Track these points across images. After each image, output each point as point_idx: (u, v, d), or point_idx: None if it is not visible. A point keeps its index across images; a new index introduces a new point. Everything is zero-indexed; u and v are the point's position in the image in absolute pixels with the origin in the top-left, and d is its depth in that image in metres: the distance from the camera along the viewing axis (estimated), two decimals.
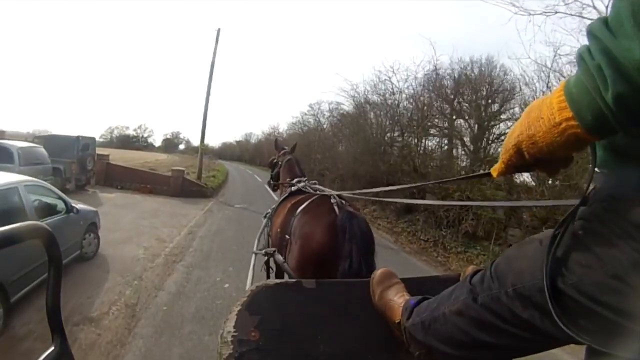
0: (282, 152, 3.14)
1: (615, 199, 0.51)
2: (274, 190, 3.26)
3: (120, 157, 21.74)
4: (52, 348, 0.61)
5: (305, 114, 22.86)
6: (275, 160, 3.18)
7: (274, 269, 2.14)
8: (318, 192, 2.11)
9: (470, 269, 0.92)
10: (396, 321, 0.90)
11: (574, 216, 0.56)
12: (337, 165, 14.90)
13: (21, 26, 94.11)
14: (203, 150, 13.84)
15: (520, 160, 0.54)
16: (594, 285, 0.50)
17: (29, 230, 0.54)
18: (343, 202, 1.84)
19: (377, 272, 1.04)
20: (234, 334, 0.89)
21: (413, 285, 1.00)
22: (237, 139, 56.56)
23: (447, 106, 10.78)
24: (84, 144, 10.67)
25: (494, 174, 0.60)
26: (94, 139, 11.27)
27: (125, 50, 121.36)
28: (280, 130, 29.82)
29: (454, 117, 10.57)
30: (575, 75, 0.47)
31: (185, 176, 11.72)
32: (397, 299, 0.94)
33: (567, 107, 0.46)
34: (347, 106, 15.08)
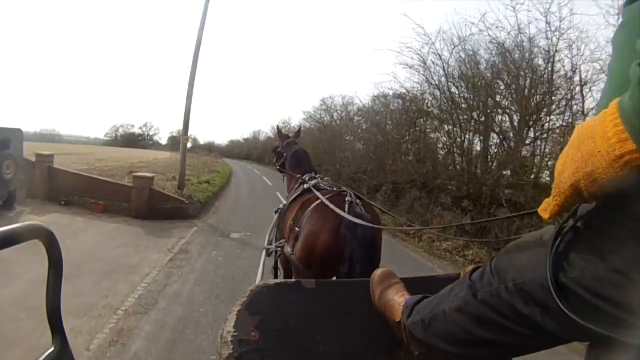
0: (287, 141, 2.92)
1: (616, 195, 0.48)
2: (281, 173, 3.00)
3: (114, 155, 19.14)
4: (52, 348, 0.61)
5: (317, 109, 20.04)
6: (280, 150, 2.95)
7: (282, 271, 2.12)
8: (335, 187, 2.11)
9: (470, 268, 0.89)
10: (396, 320, 0.90)
11: (577, 212, 0.55)
12: (383, 169, 10.60)
13: (27, 26, 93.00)
14: (186, 145, 9.08)
15: (578, 200, 0.51)
16: (595, 279, 0.50)
17: (29, 231, 0.54)
18: (358, 202, 1.78)
19: (377, 272, 1.03)
20: (234, 334, 0.89)
21: (413, 285, 1.00)
22: (245, 137, 53.92)
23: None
24: (1, 140, 6.85)
25: (545, 216, 0.54)
26: (19, 131, 7.41)
27: (131, 48, 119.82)
28: (292, 125, 26.07)
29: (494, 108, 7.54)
30: (631, 99, 0.42)
31: (154, 187, 7.53)
32: (397, 298, 0.94)
33: (628, 138, 0.42)
34: (408, 78, 10.80)
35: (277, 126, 3.46)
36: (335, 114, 17.49)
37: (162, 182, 9.88)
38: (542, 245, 0.59)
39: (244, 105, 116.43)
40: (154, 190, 7.31)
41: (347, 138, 14.77)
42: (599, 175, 0.45)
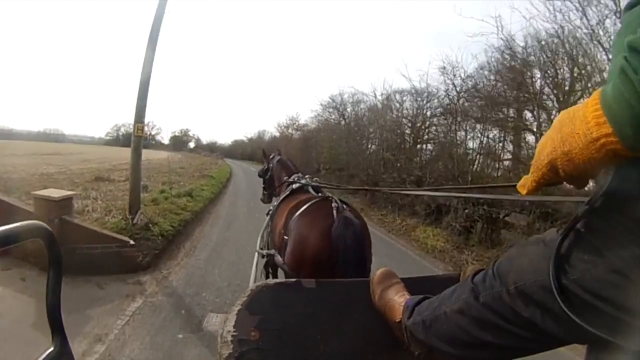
0: (271, 157, 3.05)
1: (616, 196, 0.49)
2: (269, 201, 3.05)
3: (103, 156, 17.95)
4: (52, 348, 0.60)
5: (324, 109, 17.48)
6: (265, 168, 3.06)
7: (272, 272, 2.16)
8: (320, 192, 2.12)
9: (471, 268, 0.92)
10: (397, 320, 0.89)
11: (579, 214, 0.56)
12: (451, 177, 7.15)
13: (30, 26, 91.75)
14: (141, 140, 5.16)
15: (554, 178, 0.52)
16: (596, 281, 0.50)
17: (29, 230, 0.54)
18: (344, 206, 1.78)
19: (377, 272, 1.03)
20: (234, 333, 0.88)
21: (413, 285, 1.00)
22: (249, 136, 51.51)
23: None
24: None
25: (523, 192, 0.57)
26: None
27: (133, 45, 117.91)
28: (301, 122, 22.83)
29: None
30: (612, 87, 0.44)
31: (69, 217, 3.91)
32: (398, 299, 0.93)
33: (606, 123, 0.44)
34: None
35: (262, 149, 3.34)
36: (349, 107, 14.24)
37: (122, 195, 6.64)
38: (543, 248, 0.60)
39: (249, 105, 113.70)
40: (68, 223, 3.84)
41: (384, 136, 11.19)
42: (575, 155, 0.47)
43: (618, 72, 0.42)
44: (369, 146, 11.98)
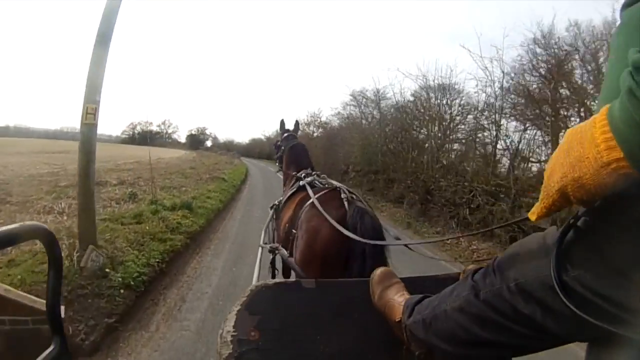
0: (286, 135, 2.80)
1: (616, 195, 0.48)
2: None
3: (111, 154, 16.65)
4: (52, 348, 0.60)
5: (346, 104, 15.79)
6: (279, 144, 2.88)
7: (279, 270, 2.10)
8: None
9: (471, 267, 0.90)
10: (396, 320, 0.89)
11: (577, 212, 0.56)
12: None
13: (45, 24, 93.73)
14: (94, 130, 3.22)
15: (565, 204, 0.51)
16: (595, 279, 0.50)
17: (29, 231, 0.54)
18: (354, 197, 1.74)
19: (377, 272, 1.02)
20: (234, 333, 0.88)
21: (413, 285, 0.99)
22: (267, 134, 49.88)
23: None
24: None
25: (533, 218, 0.55)
26: None
27: (150, 44, 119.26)
28: (323, 119, 20.97)
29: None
30: (620, 108, 0.42)
31: None
32: (397, 298, 0.92)
33: (616, 146, 0.42)
34: None
35: (282, 120, 2.97)
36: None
37: (100, 207, 4.97)
38: (544, 245, 0.59)
39: (268, 102, 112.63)
40: None
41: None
42: (586, 181, 0.45)
43: (626, 94, 0.40)
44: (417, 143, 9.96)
